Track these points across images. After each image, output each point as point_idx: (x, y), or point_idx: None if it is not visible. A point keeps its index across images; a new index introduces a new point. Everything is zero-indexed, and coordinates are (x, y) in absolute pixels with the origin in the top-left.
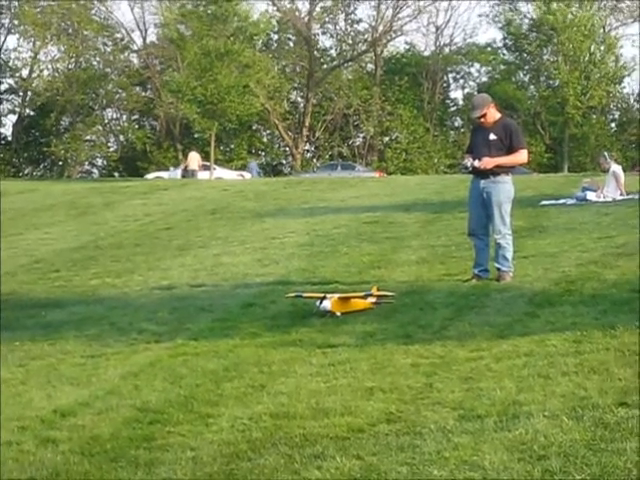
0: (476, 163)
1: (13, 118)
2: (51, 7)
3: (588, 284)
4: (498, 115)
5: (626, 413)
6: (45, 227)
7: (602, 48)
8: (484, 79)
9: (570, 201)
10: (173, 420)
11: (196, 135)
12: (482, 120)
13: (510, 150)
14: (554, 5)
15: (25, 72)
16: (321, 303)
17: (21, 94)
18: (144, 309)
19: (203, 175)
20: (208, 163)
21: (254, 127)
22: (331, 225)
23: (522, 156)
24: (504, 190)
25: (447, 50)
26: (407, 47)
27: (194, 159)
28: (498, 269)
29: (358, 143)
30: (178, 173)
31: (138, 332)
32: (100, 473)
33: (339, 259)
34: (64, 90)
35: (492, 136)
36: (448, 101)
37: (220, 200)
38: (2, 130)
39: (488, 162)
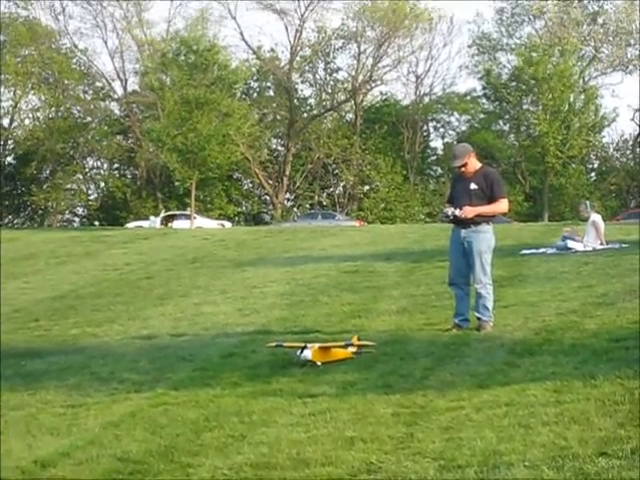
0: (457, 212)
1: None
2: (32, 56)
3: (568, 334)
4: (479, 164)
5: (606, 463)
6: (25, 276)
7: (582, 97)
8: (464, 128)
9: (550, 250)
10: (154, 470)
11: (177, 184)
12: (463, 169)
13: (491, 199)
14: (534, 55)
15: (6, 121)
16: (302, 353)
17: (2, 143)
18: (124, 358)
19: (183, 224)
20: (188, 212)
21: (234, 176)
22: (312, 274)
23: (503, 205)
24: (485, 239)
25: (427, 99)
26: (387, 96)
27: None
28: (479, 318)
29: (338, 192)
30: (157, 222)
31: (119, 382)
32: None
33: (320, 308)
34: (45, 139)
35: (473, 185)
36: (428, 150)
37: (201, 249)
38: None
39: (469, 211)
